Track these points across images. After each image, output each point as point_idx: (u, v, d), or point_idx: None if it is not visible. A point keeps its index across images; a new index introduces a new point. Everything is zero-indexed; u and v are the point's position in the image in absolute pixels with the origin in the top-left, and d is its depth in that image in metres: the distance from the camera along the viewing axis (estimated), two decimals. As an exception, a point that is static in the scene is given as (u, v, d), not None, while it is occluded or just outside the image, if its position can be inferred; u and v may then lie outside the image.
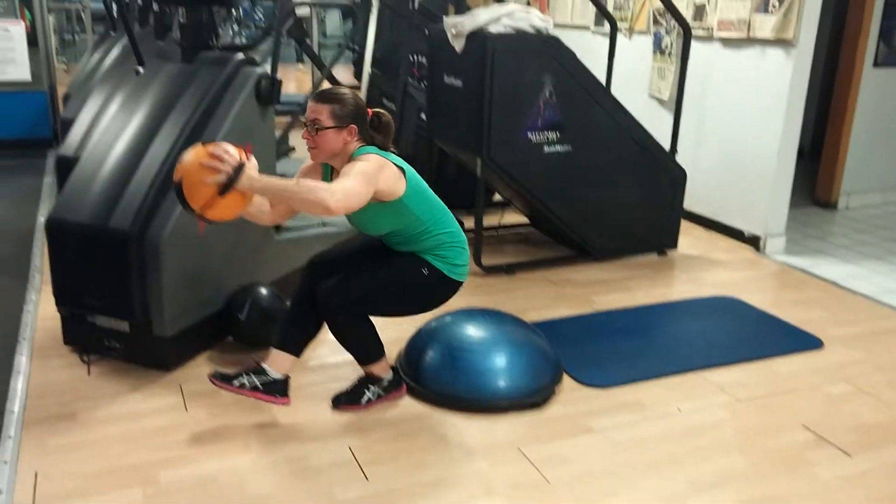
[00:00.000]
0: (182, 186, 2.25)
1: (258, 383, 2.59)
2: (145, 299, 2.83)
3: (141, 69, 3.39)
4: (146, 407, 2.69)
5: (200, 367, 2.97)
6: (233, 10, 4.81)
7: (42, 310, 3.42)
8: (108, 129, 3.17)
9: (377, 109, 2.56)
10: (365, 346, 2.70)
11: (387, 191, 2.41)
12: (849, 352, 3.29)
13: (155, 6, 4.42)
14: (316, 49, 7.26)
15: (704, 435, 2.63)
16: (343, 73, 7.82)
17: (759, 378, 3.04)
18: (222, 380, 2.58)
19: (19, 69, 6.44)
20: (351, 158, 2.45)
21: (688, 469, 2.43)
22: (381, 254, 2.67)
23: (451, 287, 2.65)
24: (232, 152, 2.24)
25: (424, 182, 2.59)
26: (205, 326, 3.07)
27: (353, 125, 2.44)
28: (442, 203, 2.66)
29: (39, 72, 6.65)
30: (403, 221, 2.53)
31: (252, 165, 2.29)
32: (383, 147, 2.53)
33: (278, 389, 2.62)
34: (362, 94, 6.31)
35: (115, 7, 5.68)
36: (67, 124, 4.64)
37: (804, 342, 3.36)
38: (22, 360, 2.98)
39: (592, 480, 2.35)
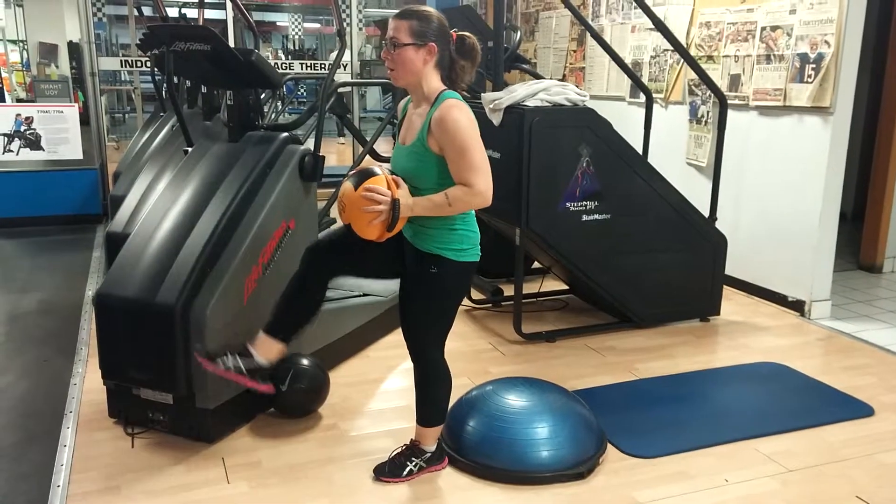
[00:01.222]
0: (351, 226, 2.42)
1: (242, 367, 2.59)
2: (189, 372, 2.87)
3: (189, 149, 3.53)
4: (189, 480, 2.70)
5: (242, 439, 2.99)
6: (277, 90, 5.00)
7: (88, 382, 3.48)
8: (156, 206, 3.28)
9: (462, 32, 2.42)
10: (437, 406, 2.69)
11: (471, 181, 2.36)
12: (903, 419, 3.20)
13: (203, 88, 4.62)
14: (357, 123, 7.46)
15: (754, 507, 2.56)
16: (385, 145, 8.01)
17: (809, 447, 2.96)
18: (207, 357, 2.59)
19: (72, 149, 6.73)
20: (436, 100, 2.37)
21: (738, 543, 2.36)
22: (382, 256, 2.59)
23: (467, 269, 2.54)
24: (383, 191, 2.33)
25: None
26: (246, 398, 3.09)
27: (432, 44, 2.35)
28: None
29: (91, 150, 6.94)
30: (446, 179, 2.41)
31: (405, 193, 2.38)
32: (463, 76, 2.44)
33: (262, 375, 2.63)
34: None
35: (164, 88, 5.94)
36: (117, 201, 4.81)
37: (854, 409, 3.26)
38: (68, 433, 3.03)
39: (639, 555, 2.30)
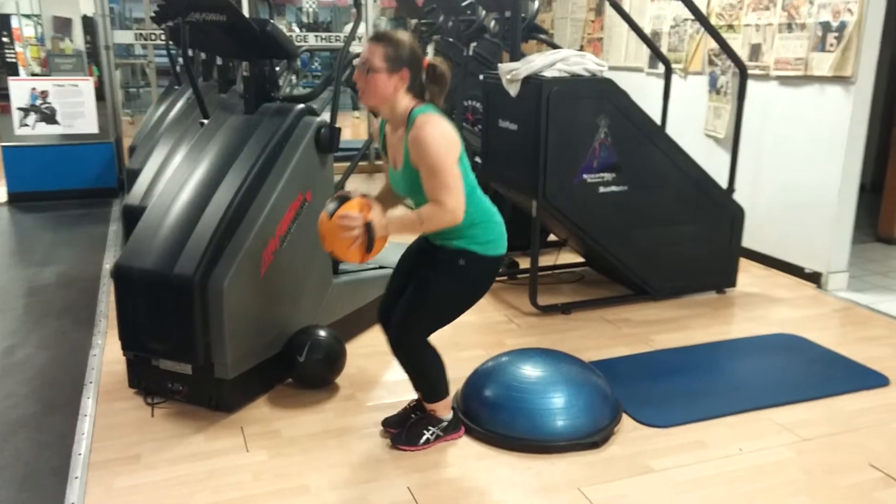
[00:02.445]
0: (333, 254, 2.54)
1: (439, 431, 2.74)
2: (208, 343, 2.91)
3: (205, 121, 3.53)
4: (209, 448, 2.75)
5: (261, 409, 3.03)
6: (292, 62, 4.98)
7: (107, 354, 3.53)
8: (173, 178, 3.30)
9: (433, 60, 2.47)
10: (434, 384, 2.72)
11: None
12: (919, 390, 3.19)
13: (219, 60, 4.61)
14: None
15: (769, 476, 2.57)
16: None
17: (824, 416, 2.96)
18: (409, 444, 2.72)
19: (88, 122, 6.75)
20: (409, 119, 2.41)
21: (753, 511, 2.37)
22: (416, 268, 2.66)
23: (494, 264, 2.57)
24: (355, 216, 2.40)
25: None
26: (265, 369, 3.13)
27: (405, 70, 2.39)
28: (475, 177, 2.56)
29: (106, 125, 6.96)
30: None
31: (377, 213, 2.44)
32: (434, 102, 2.47)
33: (452, 425, 2.77)
34: (415, 139, 6.43)
35: (180, 62, 5.94)
36: (133, 174, 4.84)
37: (870, 380, 3.26)
38: (88, 403, 3.08)
39: (654, 522, 2.32)
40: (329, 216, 2.45)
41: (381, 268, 4.00)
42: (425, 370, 2.68)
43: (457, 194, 2.36)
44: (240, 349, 2.97)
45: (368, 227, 2.40)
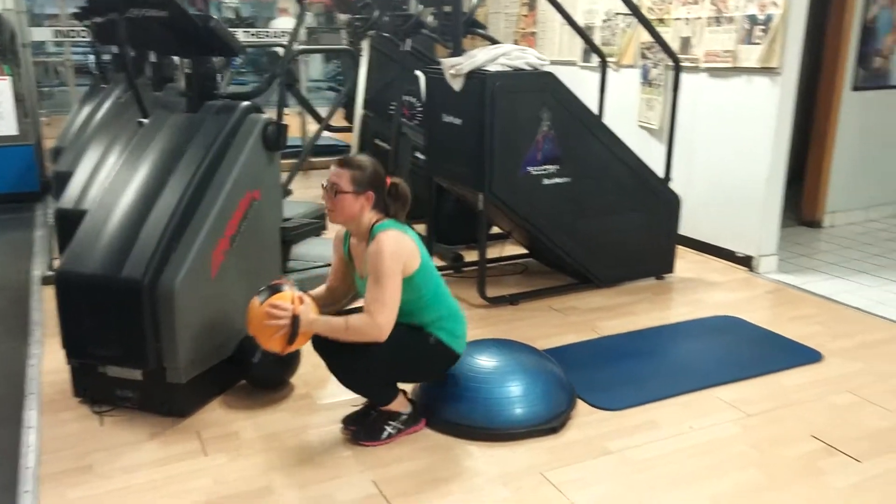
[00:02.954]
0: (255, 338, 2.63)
1: (400, 425, 2.75)
2: (159, 347, 2.85)
3: (145, 121, 3.45)
4: (165, 454, 2.69)
5: (216, 412, 2.99)
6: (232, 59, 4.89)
7: (47, 363, 3.41)
8: (115, 180, 3.21)
9: (395, 179, 2.67)
10: (380, 394, 2.76)
11: (405, 267, 2.57)
12: (848, 363, 3.37)
13: (152, 57, 4.49)
14: (303, 92, 7.37)
15: (719, 451, 2.68)
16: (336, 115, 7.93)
17: (766, 393, 3.11)
18: (371, 438, 2.73)
19: (6, 124, 6.45)
20: (371, 233, 2.58)
21: (707, 485, 2.48)
22: None
23: (452, 358, 2.77)
24: (285, 306, 2.51)
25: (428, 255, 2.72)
26: (218, 371, 3.09)
27: (370, 192, 2.58)
28: (440, 277, 2.77)
29: (25, 126, 6.67)
30: (408, 295, 2.60)
31: (306, 309, 2.54)
32: (397, 217, 2.65)
33: (412, 417, 2.79)
34: (354, 135, 6.40)
35: (104, 59, 5.76)
36: (63, 177, 4.66)
37: (805, 356, 3.43)
38: (32, 415, 2.98)
39: (617, 500, 2.40)
40: (260, 303, 2.55)
41: (328, 265, 3.99)
42: (369, 385, 2.73)
43: (389, 313, 2.51)
44: (193, 352, 2.92)
45: (294, 321, 2.50)
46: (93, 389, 3.03)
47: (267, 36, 7.82)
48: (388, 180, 2.64)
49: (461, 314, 2.80)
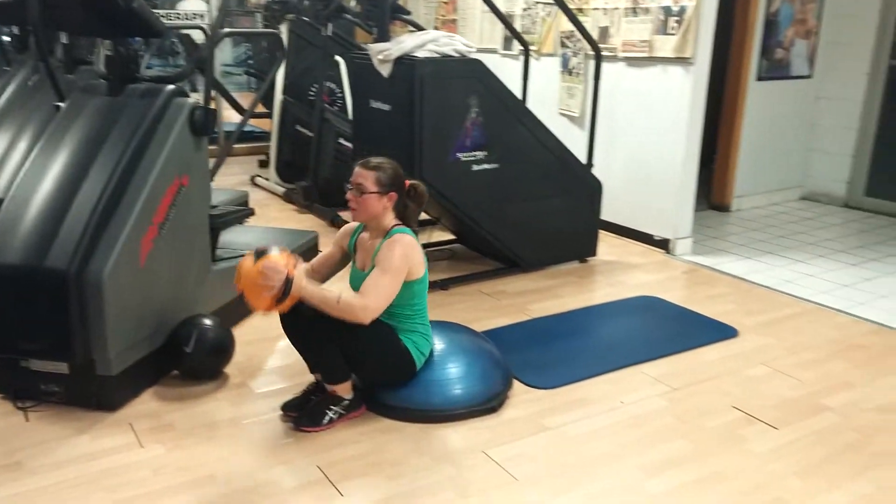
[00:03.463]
0: (244, 295, 2.64)
1: (341, 410, 2.76)
2: (87, 339, 2.75)
3: (61, 105, 3.31)
4: (97, 448, 2.62)
5: (148, 404, 2.92)
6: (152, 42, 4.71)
7: (-38, 359, 3.25)
8: (32, 167, 3.07)
9: (413, 181, 2.83)
10: (337, 366, 2.74)
11: (410, 272, 2.71)
12: (761, 338, 3.58)
13: (64, 38, 4.29)
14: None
15: (648, 423, 2.81)
16: (246, 100, 7.77)
17: (688, 367, 3.27)
18: (312, 424, 2.72)
19: None
20: (387, 234, 2.74)
21: (638, 456, 2.60)
22: None
23: (411, 371, 2.82)
24: (280, 268, 2.54)
25: None
26: (149, 362, 3.01)
27: (393, 192, 2.73)
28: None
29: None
30: (402, 299, 2.74)
31: (300, 274, 2.58)
32: (412, 217, 2.85)
33: (354, 402, 2.80)
34: (274, 121, 6.31)
35: (11, 41, 5.45)
36: (-36, 165, 4.41)
37: (722, 332, 3.62)
38: (-51, 413, 2.85)
39: (557, 474, 2.48)
40: (253, 262, 2.58)
41: (256, 253, 3.94)
42: (329, 353, 2.71)
43: (381, 301, 2.64)
44: (122, 343, 2.84)
45: (287, 282, 2.53)
46: (15, 384, 2.90)
47: (178, 18, 7.57)
48: (407, 182, 2.79)
49: (431, 339, 2.89)
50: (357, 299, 2.62)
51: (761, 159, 6.03)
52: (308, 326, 2.68)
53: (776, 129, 6.03)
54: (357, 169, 2.75)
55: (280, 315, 2.75)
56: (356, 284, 2.78)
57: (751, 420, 2.84)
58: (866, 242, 5.18)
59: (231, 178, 6.89)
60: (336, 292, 2.62)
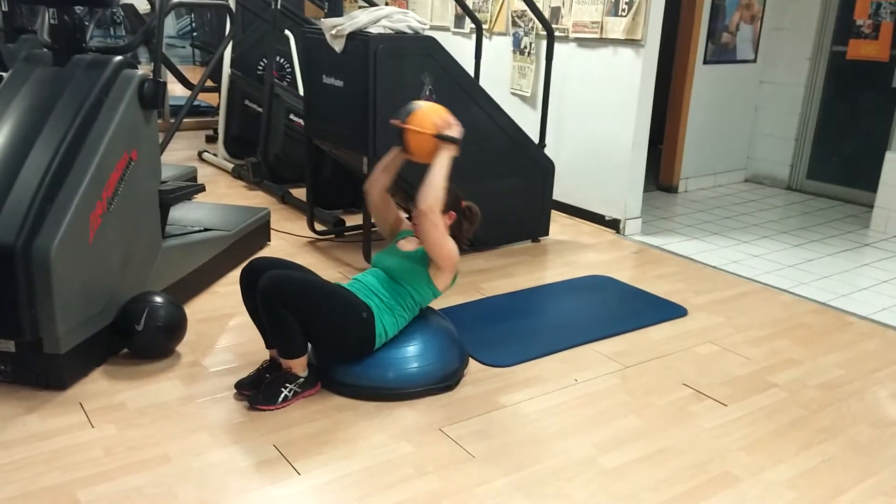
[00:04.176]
0: (411, 122, 2.85)
1: (297, 388, 2.76)
2: (34, 316, 2.68)
3: (4, 75, 3.19)
4: (47, 427, 2.56)
5: (98, 383, 2.86)
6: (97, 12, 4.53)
7: None
8: (-28, 138, 2.96)
9: (469, 203, 3.03)
10: (293, 340, 2.72)
11: (445, 268, 2.87)
12: (710, 316, 3.68)
13: (3, 6, 4.12)
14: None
15: (601, 401, 2.87)
16: (192, 74, 7.58)
17: (639, 346, 3.34)
18: (268, 402, 2.71)
19: None
20: None
21: (593, 432, 2.65)
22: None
23: (368, 345, 2.81)
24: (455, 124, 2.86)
25: None
26: (98, 340, 2.95)
27: (452, 212, 2.92)
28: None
29: None
30: (415, 290, 2.87)
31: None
32: (466, 236, 3.06)
33: (309, 380, 2.80)
34: (222, 96, 6.18)
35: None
36: None
37: (672, 311, 3.71)
38: None
39: (513, 450, 2.52)
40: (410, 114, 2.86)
41: (206, 230, 3.88)
42: (287, 325, 2.68)
43: (444, 237, 2.84)
44: (71, 321, 2.77)
45: (459, 140, 2.85)
46: (-43, 363, 2.82)
47: (121, -13, 7.32)
48: (463, 203, 2.99)
49: (399, 329, 2.90)
50: (439, 231, 2.79)
51: (707, 142, 6.16)
52: (268, 295, 2.64)
53: (722, 112, 6.16)
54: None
55: (241, 281, 2.81)
56: (383, 260, 2.95)
57: (700, 397, 2.92)
58: (808, 224, 5.35)
59: (178, 154, 6.74)
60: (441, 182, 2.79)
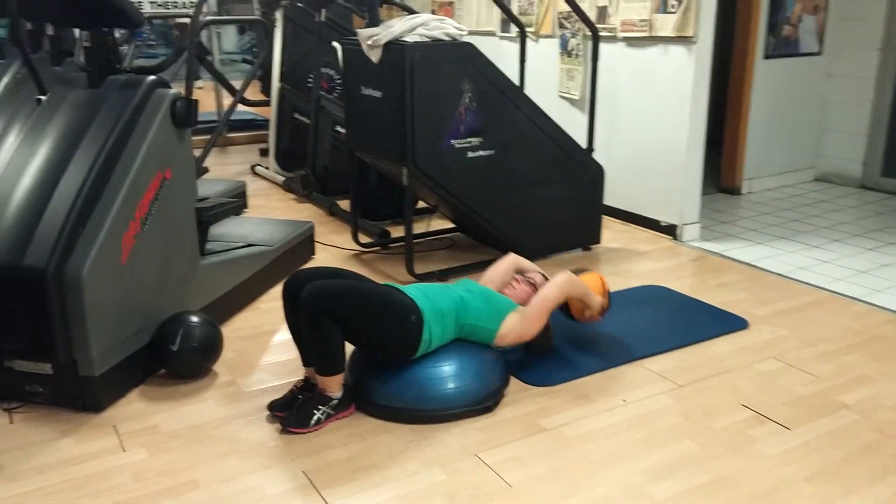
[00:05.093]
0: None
1: (330, 410, 2.67)
2: (68, 339, 2.67)
3: (42, 98, 3.21)
4: (80, 452, 2.54)
5: (134, 404, 2.83)
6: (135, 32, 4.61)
7: (-51, 359, 3.18)
8: (11, 162, 2.97)
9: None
10: (333, 355, 2.64)
11: (525, 326, 2.90)
12: (774, 329, 3.44)
13: (50, 30, 4.19)
14: (216, 66, 7.08)
15: (652, 423, 2.69)
16: (248, 89, 7.65)
17: (695, 362, 3.14)
18: (300, 426, 2.64)
19: None
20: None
21: (641, 459, 2.48)
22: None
23: (410, 350, 2.72)
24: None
25: None
26: (135, 361, 2.93)
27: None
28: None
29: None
30: (480, 318, 2.85)
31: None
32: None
33: (344, 401, 2.72)
34: (272, 110, 6.20)
35: (5, 33, 5.37)
36: (-43, 159, 4.34)
37: (731, 324, 3.48)
38: (-66, 415, 2.77)
39: (552, 479, 2.37)
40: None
41: (248, 245, 3.85)
42: (328, 338, 2.60)
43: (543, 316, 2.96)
44: (105, 343, 2.75)
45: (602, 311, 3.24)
46: (1, 385, 2.83)
47: (175, 7, 7.45)
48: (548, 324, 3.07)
49: (438, 346, 2.80)
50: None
51: (772, 140, 5.86)
52: (309, 304, 2.57)
53: (786, 108, 5.86)
54: (535, 266, 3.30)
55: (283, 294, 2.79)
56: (477, 296, 2.91)
57: (761, 419, 2.71)
58: (884, 225, 5.01)
59: (233, 168, 6.81)
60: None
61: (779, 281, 4.06)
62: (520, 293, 3.10)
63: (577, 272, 3.15)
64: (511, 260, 3.28)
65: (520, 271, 3.25)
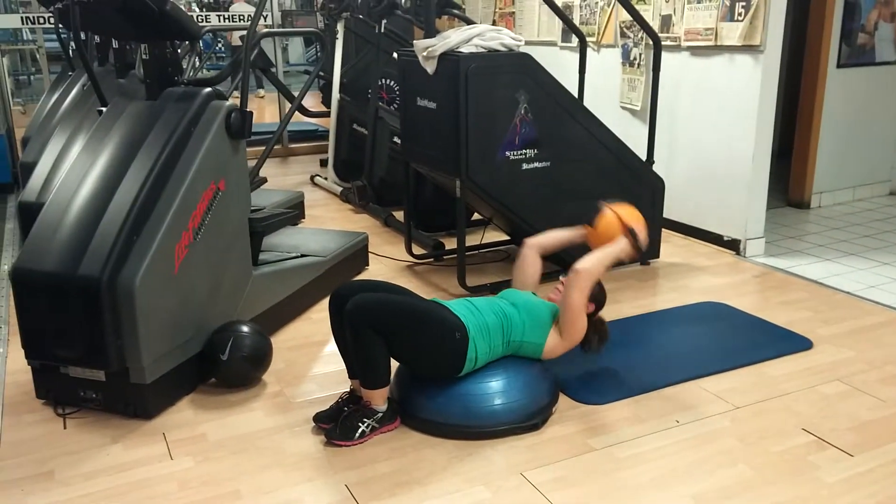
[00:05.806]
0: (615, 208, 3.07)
1: (375, 423, 2.65)
2: (121, 347, 2.72)
3: (103, 109, 3.30)
4: (129, 458, 2.57)
5: (183, 413, 2.86)
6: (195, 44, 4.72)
7: (11, 363, 3.28)
8: (71, 171, 3.06)
9: (601, 316, 3.05)
10: (378, 368, 2.62)
11: (566, 335, 2.81)
12: (839, 350, 3.28)
13: (115, 43, 4.32)
14: (280, 77, 7.21)
15: (706, 446, 2.58)
16: (309, 99, 7.77)
17: (754, 383, 3.01)
18: (345, 438, 2.63)
19: (-26, 114, 6.28)
20: None
21: (693, 483, 2.37)
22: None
23: (456, 368, 2.67)
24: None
25: None
26: (185, 370, 2.96)
27: (592, 303, 2.93)
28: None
29: (-4, 115, 6.49)
30: (525, 331, 2.77)
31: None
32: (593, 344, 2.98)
33: (388, 415, 2.69)
34: (332, 120, 6.26)
35: (72, 46, 5.57)
36: (28, 168, 4.51)
37: (794, 343, 3.33)
38: (-6, 418, 2.86)
39: (599, 501, 2.29)
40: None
41: (303, 256, 3.87)
42: (372, 351, 2.58)
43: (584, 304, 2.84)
44: (156, 351, 2.79)
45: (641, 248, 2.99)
46: (56, 390, 2.90)
47: (242, 19, 7.62)
48: (599, 315, 3.03)
49: (486, 363, 2.75)
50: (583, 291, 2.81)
51: (844, 152, 5.61)
52: (353, 318, 2.57)
53: (860, 119, 5.61)
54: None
55: (330, 306, 2.78)
56: (519, 295, 2.93)
57: (822, 445, 2.57)
58: (961, 243, 4.75)
59: (293, 178, 6.90)
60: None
61: (846, 299, 3.87)
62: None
63: (592, 221, 3.09)
64: (531, 251, 3.18)
65: (543, 250, 3.19)
